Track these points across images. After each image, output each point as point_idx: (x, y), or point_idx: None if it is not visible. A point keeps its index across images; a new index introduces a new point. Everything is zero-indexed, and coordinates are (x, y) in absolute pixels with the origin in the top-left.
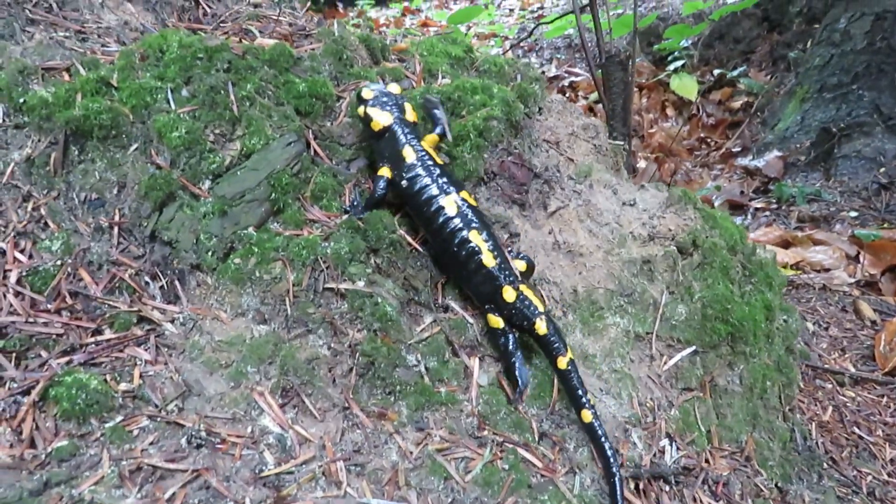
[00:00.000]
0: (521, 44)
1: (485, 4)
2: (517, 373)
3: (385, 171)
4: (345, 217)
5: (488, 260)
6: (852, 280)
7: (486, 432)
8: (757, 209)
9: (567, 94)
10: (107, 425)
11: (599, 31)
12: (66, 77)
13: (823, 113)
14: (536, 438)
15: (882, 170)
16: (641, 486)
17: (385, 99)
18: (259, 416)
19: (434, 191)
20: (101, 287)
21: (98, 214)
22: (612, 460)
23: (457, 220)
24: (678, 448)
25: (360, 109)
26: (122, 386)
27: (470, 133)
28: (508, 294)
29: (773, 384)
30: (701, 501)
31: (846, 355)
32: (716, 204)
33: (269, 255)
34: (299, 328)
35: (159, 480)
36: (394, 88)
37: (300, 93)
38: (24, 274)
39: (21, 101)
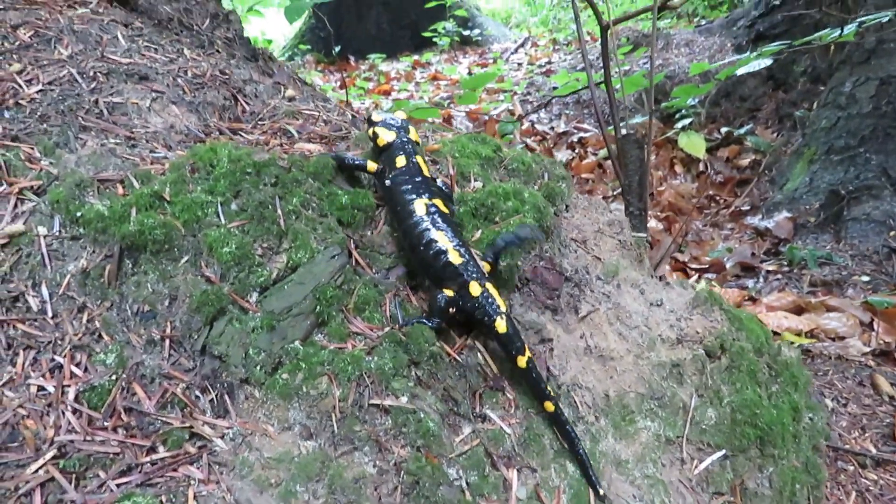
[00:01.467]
0: (530, 99)
1: (493, 59)
2: (429, 323)
3: (373, 167)
4: (386, 330)
5: (455, 258)
6: (867, 349)
7: None
8: (769, 272)
9: (577, 150)
10: None
11: (612, 95)
12: (120, 190)
13: (832, 175)
14: None
15: (892, 233)
16: None
17: (391, 122)
18: None
19: (411, 194)
20: (153, 402)
21: (150, 326)
22: (576, 441)
23: (425, 221)
24: None
25: (370, 130)
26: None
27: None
28: (474, 288)
29: (801, 486)
30: None
31: (866, 434)
32: (727, 266)
33: (315, 370)
34: (346, 445)
35: None
36: (400, 115)
37: (342, 205)
38: (81, 390)
39: (78, 214)
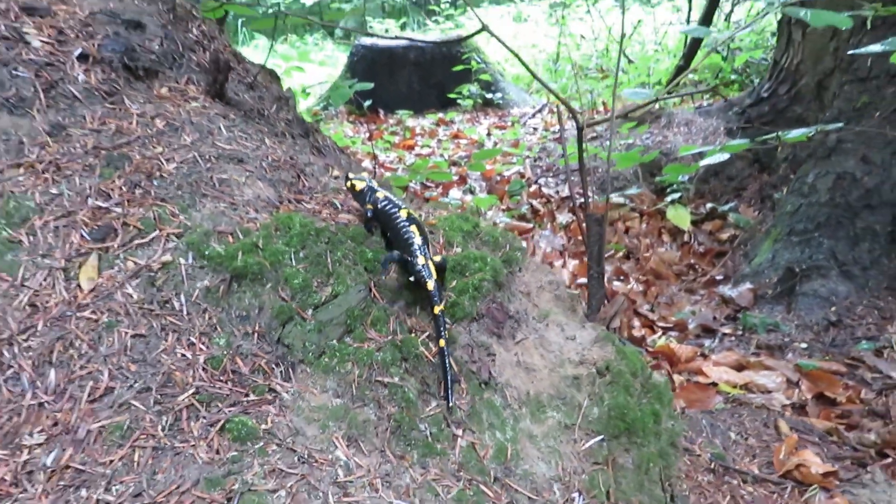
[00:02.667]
0: (540, 163)
1: (511, 122)
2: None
3: (369, 207)
4: (389, 338)
5: (416, 242)
6: (788, 402)
7: (461, 473)
8: (724, 334)
9: (577, 215)
10: (255, 446)
11: (585, 181)
12: (230, 239)
13: (790, 254)
14: (492, 481)
15: (833, 308)
16: None
17: (363, 175)
18: (335, 450)
19: (395, 208)
20: (248, 368)
21: (245, 325)
22: (447, 368)
23: (406, 222)
24: (584, 499)
25: (348, 183)
26: (262, 426)
27: (469, 288)
28: (419, 260)
29: (655, 465)
30: None
31: (755, 460)
32: (690, 326)
33: (344, 358)
34: (359, 403)
35: (283, 478)
36: (366, 175)
37: (368, 258)
38: (206, 358)
39: (205, 252)
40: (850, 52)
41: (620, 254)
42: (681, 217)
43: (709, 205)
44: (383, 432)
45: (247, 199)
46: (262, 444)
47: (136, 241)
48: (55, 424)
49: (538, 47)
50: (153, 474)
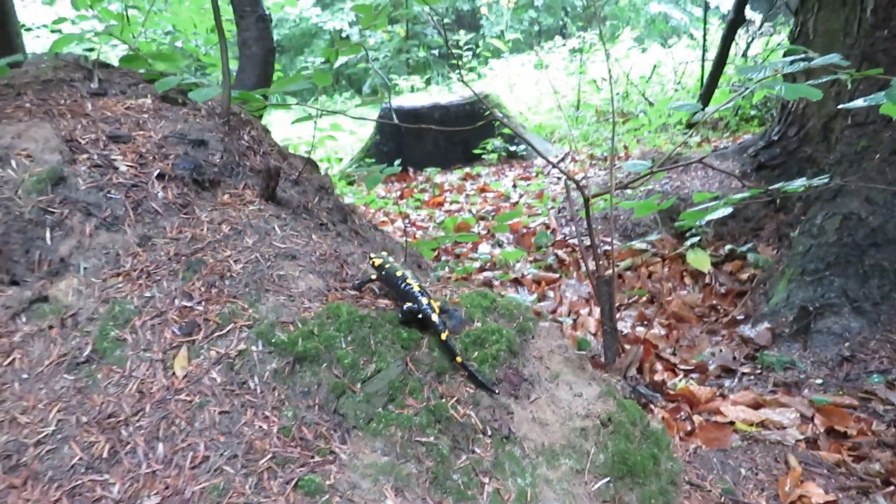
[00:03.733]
0: (564, 213)
1: (536, 173)
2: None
3: (375, 275)
4: (423, 405)
5: (416, 289)
6: (801, 437)
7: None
8: (744, 373)
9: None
10: (322, 499)
11: (595, 247)
12: (291, 328)
13: (804, 293)
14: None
15: (846, 344)
16: None
17: (383, 254)
18: (385, 500)
19: (401, 273)
20: (312, 435)
21: (307, 399)
22: (476, 374)
23: (410, 283)
24: None
25: (370, 261)
26: (327, 482)
27: (489, 358)
28: (423, 302)
29: (655, 501)
30: None
31: (763, 493)
32: (710, 367)
33: (388, 423)
34: (403, 459)
35: None
36: (384, 253)
37: (404, 338)
38: (278, 428)
39: (272, 340)
40: (839, 106)
41: (644, 299)
42: (700, 260)
43: (728, 246)
44: (423, 483)
45: (301, 290)
46: (327, 496)
47: (216, 334)
48: (166, 488)
49: (560, 94)
50: None
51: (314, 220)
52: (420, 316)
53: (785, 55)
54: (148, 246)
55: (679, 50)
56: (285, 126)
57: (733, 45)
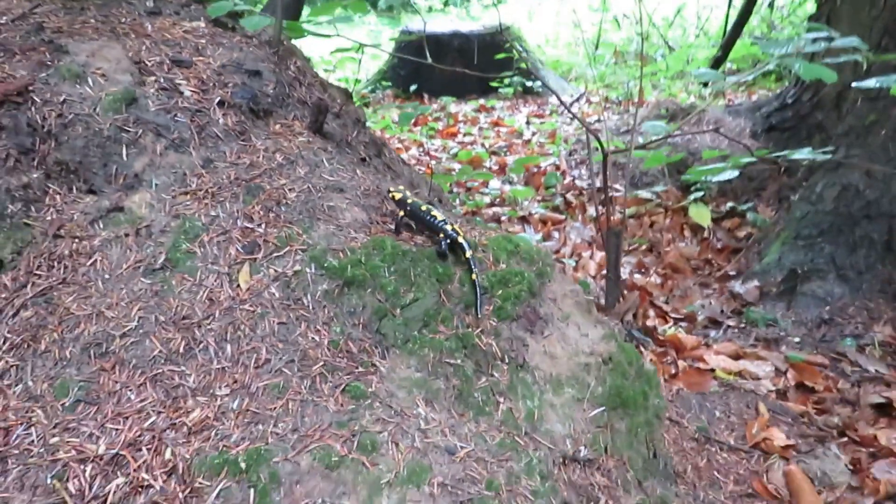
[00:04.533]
0: (574, 155)
1: (550, 112)
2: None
3: (401, 213)
4: (452, 332)
5: (440, 217)
6: (773, 388)
7: (503, 427)
8: (729, 326)
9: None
10: (365, 402)
11: (608, 204)
12: (341, 255)
13: (795, 256)
14: (523, 434)
15: (827, 308)
16: (565, 462)
17: (400, 188)
18: (417, 408)
19: (418, 206)
20: (356, 349)
21: (353, 318)
22: (478, 290)
23: (427, 212)
24: (588, 450)
25: (389, 194)
26: (369, 389)
27: (511, 296)
28: (448, 230)
29: (642, 430)
30: (595, 476)
31: (733, 433)
32: (699, 318)
33: (423, 345)
34: (433, 376)
35: (385, 424)
36: (402, 187)
37: (440, 273)
38: (328, 341)
39: (324, 264)
40: (853, 84)
41: (644, 247)
42: (702, 215)
43: (729, 204)
44: (449, 397)
45: (348, 221)
46: (369, 401)
47: (274, 254)
48: (235, 382)
49: (580, 28)
50: (302, 417)
51: (356, 155)
52: (447, 240)
53: (808, 31)
54: (211, 168)
55: None
56: (305, 46)
57: None
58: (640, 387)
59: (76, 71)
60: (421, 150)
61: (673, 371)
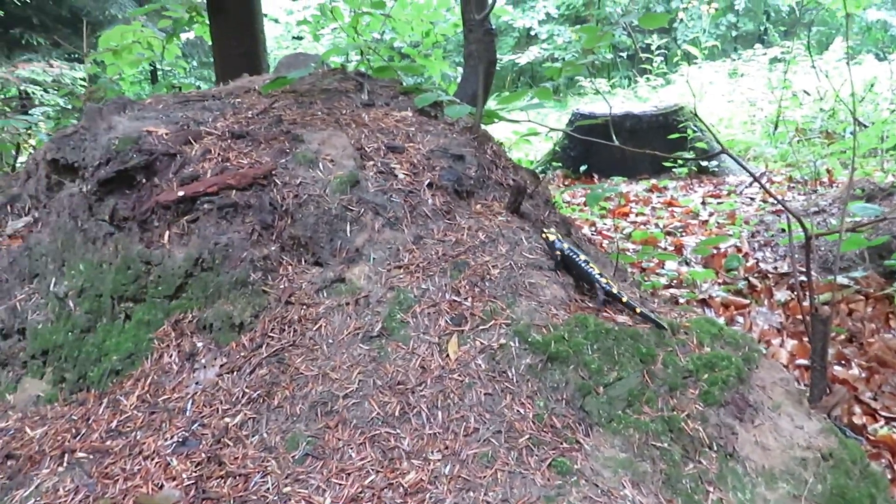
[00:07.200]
0: (758, 238)
1: (727, 192)
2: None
3: (557, 253)
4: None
5: (596, 272)
6: None
7: None
8: None
9: (796, 292)
10: (572, 479)
11: (812, 291)
12: (544, 331)
13: None
14: None
15: None
16: None
17: (552, 230)
18: (623, 489)
19: (576, 255)
20: (560, 424)
21: (556, 394)
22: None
23: (585, 262)
24: None
25: (544, 237)
26: (575, 466)
27: (718, 381)
28: (602, 280)
29: None
30: None
31: None
32: None
33: (627, 425)
34: (639, 458)
35: (592, 503)
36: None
37: (643, 353)
38: (533, 415)
39: (528, 339)
40: None
41: (842, 337)
42: None
43: None
44: (657, 481)
45: (548, 299)
46: (575, 478)
47: (480, 327)
48: (446, 448)
49: (756, 106)
50: (511, 488)
51: (537, 226)
52: (603, 295)
53: None
54: (421, 244)
55: None
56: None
57: None
58: (867, 489)
59: (310, 157)
60: (593, 229)
61: (890, 476)
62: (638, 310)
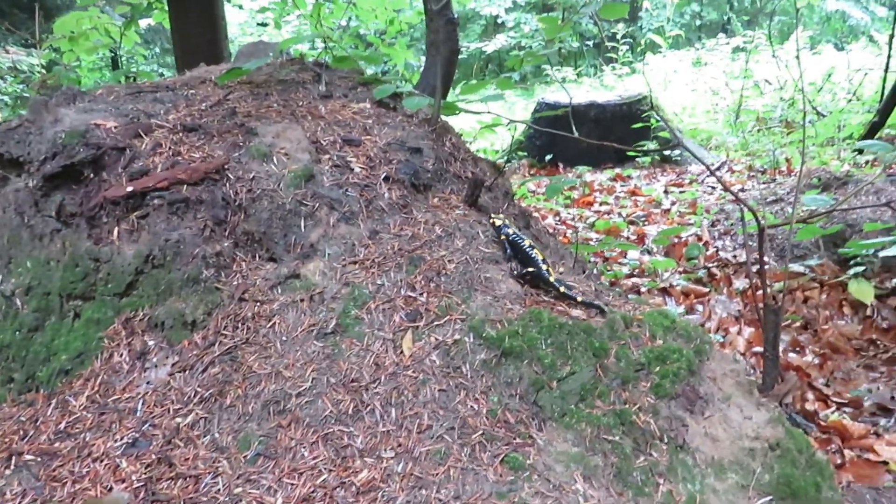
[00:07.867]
0: (717, 226)
1: (689, 181)
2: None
3: (503, 238)
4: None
5: (539, 258)
6: None
7: None
8: None
9: (754, 280)
10: (524, 475)
11: (764, 282)
12: (499, 326)
13: None
14: None
15: None
16: None
17: (500, 216)
18: (575, 483)
19: (521, 240)
20: (514, 419)
21: (510, 389)
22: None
23: (531, 248)
24: None
25: (491, 222)
26: (527, 461)
27: (669, 374)
28: (543, 267)
29: None
30: None
31: None
32: (865, 404)
33: (580, 419)
34: (591, 452)
35: (544, 498)
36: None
37: (596, 347)
38: (487, 411)
39: (483, 334)
40: None
41: (797, 324)
42: (864, 291)
43: (895, 280)
44: (608, 475)
45: (503, 293)
46: (528, 473)
47: (435, 323)
48: (399, 446)
49: (719, 95)
50: (464, 485)
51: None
52: (538, 275)
53: None
54: (376, 239)
55: (856, 54)
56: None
57: None
58: (812, 477)
59: (264, 151)
60: (557, 218)
61: (838, 461)
62: (579, 299)
